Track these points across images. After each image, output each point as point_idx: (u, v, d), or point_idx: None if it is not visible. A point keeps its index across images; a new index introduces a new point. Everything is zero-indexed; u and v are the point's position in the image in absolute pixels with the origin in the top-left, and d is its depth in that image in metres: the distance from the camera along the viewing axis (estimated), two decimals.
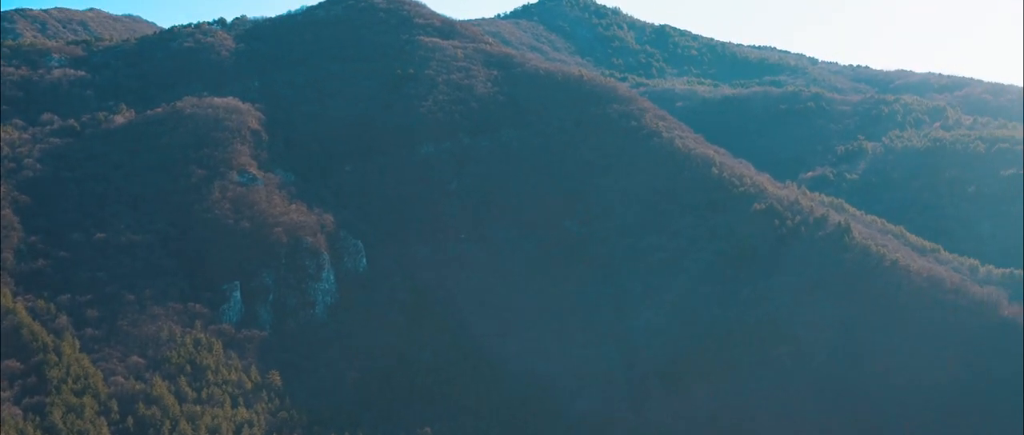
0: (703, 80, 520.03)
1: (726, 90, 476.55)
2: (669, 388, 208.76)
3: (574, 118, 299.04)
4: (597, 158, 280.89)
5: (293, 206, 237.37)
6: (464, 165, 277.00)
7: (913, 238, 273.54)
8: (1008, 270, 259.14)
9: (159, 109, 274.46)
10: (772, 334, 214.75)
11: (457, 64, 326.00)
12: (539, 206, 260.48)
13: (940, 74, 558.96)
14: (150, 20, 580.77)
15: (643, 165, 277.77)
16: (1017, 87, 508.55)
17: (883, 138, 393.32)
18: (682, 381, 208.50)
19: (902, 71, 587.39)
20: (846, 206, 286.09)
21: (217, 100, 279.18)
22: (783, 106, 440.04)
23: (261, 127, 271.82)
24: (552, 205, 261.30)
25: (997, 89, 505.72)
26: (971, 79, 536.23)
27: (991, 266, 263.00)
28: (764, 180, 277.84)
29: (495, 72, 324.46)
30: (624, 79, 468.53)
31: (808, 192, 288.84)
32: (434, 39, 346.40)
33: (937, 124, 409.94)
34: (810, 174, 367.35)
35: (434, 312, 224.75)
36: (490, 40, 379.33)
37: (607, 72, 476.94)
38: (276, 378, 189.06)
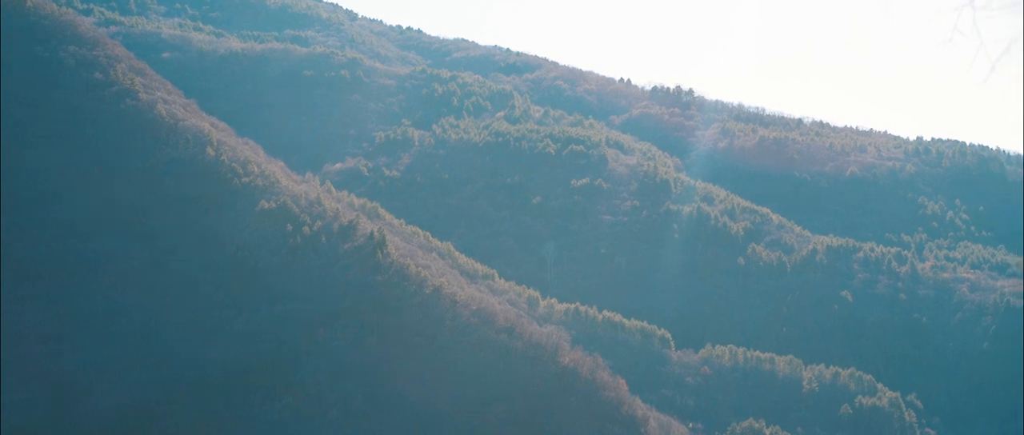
0: (202, 26, 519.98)
1: (233, 43, 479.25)
2: None
3: (4, 63, 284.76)
4: (33, 122, 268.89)
5: None
6: None
7: (463, 259, 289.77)
8: (573, 305, 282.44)
9: None
10: (275, 380, 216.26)
11: None
12: None
13: (508, 49, 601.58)
14: None
15: (109, 138, 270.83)
16: (598, 74, 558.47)
17: (434, 126, 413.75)
18: None
19: (463, 41, 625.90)
20: (382, 211, 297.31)
21: None
22: (309, 72, 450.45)
23: None
24: None
25: (574, 75, 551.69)
26: (545, 60, 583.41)
27: (554, 299, 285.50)
28: (277, 170, 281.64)
29: None
30: (89, 12, 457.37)
31: (334, 190, 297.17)
32: None
33: (501, 113, 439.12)
34: (339, 166, 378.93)
35: None
36: None
37: None
38: None
